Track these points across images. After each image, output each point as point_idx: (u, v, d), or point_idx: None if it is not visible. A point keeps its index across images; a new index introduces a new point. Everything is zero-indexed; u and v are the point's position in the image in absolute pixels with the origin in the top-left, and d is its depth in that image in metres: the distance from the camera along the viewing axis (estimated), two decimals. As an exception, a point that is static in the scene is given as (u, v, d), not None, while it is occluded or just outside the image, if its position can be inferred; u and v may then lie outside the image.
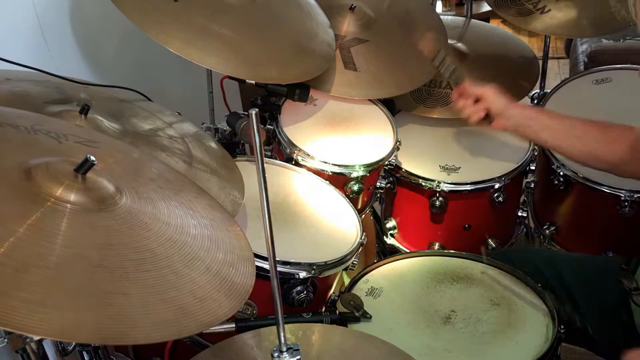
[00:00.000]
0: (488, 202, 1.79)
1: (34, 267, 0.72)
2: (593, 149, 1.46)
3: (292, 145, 1.63)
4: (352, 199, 1.62)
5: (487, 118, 1.59)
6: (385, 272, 1.46)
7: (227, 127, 1.69)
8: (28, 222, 0.76)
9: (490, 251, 1.87)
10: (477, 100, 1.59)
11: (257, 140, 0.82)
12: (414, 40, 1.73)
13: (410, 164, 1.81)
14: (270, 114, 1.71)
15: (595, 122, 1.48)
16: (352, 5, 1.83)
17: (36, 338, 0.87)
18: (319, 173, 1.62)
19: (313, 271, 1.31)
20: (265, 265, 1.04)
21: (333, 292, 1.48)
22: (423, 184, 1.78)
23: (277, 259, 0.88)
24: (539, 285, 1.37)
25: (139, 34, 1.36)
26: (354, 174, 1.63)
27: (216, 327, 1.20)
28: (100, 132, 1.20)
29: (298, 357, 0.91)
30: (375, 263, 1.49)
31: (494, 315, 1.30)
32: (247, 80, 1.59)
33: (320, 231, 1.48)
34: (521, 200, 1.98)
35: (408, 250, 1.92)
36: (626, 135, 1.43)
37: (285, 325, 0.91)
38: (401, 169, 1.80)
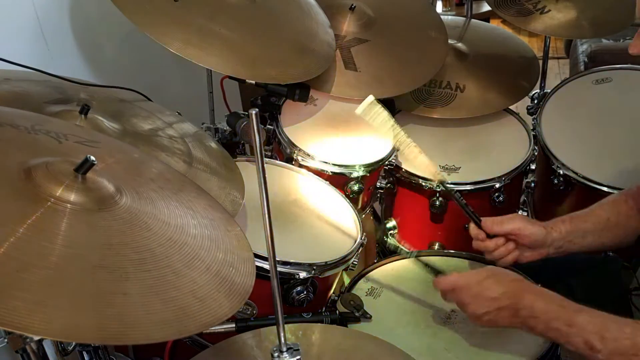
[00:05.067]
0: (488, 202, 1.79)
1: (34, 267, 0.72)
2: (631, 226, 1.40)
3: (292, 145, 1.63)
4: (352, 199, 1.62)
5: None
6: (385, 272, 1.46)
7: (227, 127, 1.69)
8: (28, 222, 0.76)
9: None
10: (507, 238, 1.38)
11: (257, 140, 0.82)
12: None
13: (411, 164, 1.81)
14: (270, 114, 1.72)
15: (619, 198, 1.41)
16: (352, 5, 1.83)
17: (36, 338, 0.87)
18: (319, 173, 1.62)
19: (313, 271, 1.31)
20: (265, 265, 1.04)
21: (333, 292, 1.48)
22: (423, 184, 1.78)
23: (277, 259, 0.88)
24: (539, 285, 1.37)
25: (139, 34, 1.36)
26: (354, 174, 1.63)
27: (216, 327, 1.21)
28: (100, 132, 1.20)
29: (298, 357, 0.91)
30: (375, 263, 1.49)
31: (494, 315, 1.30)
32: (247, 80, 1.59)
33: (320, 231, 1.48)
34: (521, 200, 1.98)
35: (408, 251, 1.92)
36: None
37: (285, 325, 0.91)
38: (401, 169, 1.80)
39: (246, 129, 1.56)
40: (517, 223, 1.37)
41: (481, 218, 1.40)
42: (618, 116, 1.83)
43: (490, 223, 1.38)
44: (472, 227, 1.41)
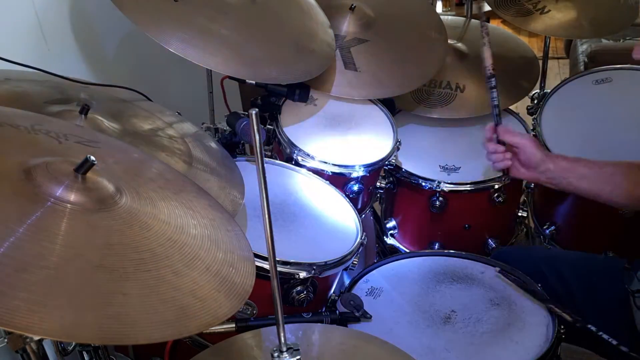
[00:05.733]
0: (488, 202, 1.79)
1: (34, 267, 0.72)
2: (633, 192, 1.42)
3: (292, 145, 1.63)
4: (352, 199, 1.62)
5: (505, 172, 1.56)
6: (385, 272, 1.46)
7: (227, 127, 1.69)
8: (28, 222, 0.76)
9: (490, 251, 1.87)
10: (507, 148, 1.54)
11: (257, 140, 0.82)
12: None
13: (410, 164, 1.81)
14: (270, 114, 1.72)
15: (630, 163, 1.44)
16: (352, 5, 1.83)
17: (36, 338, 0.87)
18: (319, 173, 1.62)
19: (313, 271, 1.31)
20: (265, 265, 1.04)
21: (333, 292, 1.48)
22: (423, 184, 1.78)
23: (277, 259, 0.88)
24: (539, 285, 1.37)
25: (139, 34, 1.36)
26: (354, 174, 1.63)
27: (216, 327, 1.21)
28: (100, 132, 1.20)
29: (298, 357, 0.91)
30: (375, 263, 1.49)
31: (494, 315, 1.30)
32: (247, 80, 1.59)
33: (320, 231, 1.48)
34: (521, 200, 1.98)
35: (408, 250, 1.92)
36: None
37: (285, 325, 0.91)
38: (401, 169, 1.80)
39: (246, 129, 1.56)
40: (524, 140, 1.52)
41: (501, 125, 1.57)
42: (618, 116, 1.83)
43: (504, 131, 1.55)
44: (488, 128, 1.57)
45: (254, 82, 1.61)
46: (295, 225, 1.47)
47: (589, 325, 1.26)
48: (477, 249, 1.85)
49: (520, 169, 1.54)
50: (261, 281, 1.02)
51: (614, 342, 1.22)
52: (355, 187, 1.63)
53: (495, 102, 1.59)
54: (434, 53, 1.91)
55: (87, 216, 0.83)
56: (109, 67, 1.90)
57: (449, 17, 2.35)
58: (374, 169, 1.67)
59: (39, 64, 1.37)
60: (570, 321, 1.26)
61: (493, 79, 1.59)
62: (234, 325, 1.21)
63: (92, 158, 0.86)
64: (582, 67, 2.86)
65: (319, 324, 1.25)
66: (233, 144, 1.68)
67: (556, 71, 3.91)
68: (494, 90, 1.60)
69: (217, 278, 0.88)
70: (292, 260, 1.30)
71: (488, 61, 1.59)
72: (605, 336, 1.23)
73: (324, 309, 1.42)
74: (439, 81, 1.97)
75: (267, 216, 0.85)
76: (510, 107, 2.01)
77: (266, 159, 1.65)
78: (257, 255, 1.05)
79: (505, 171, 1.57)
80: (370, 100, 1.84)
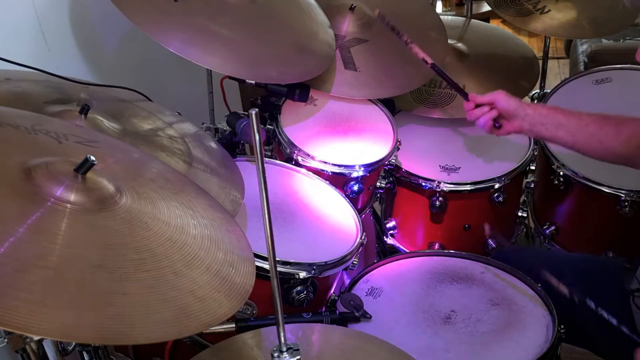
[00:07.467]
0: (488, 202, 1.79)
1: (34, 267, 0.72)
2: (609, 146, 1.45)
3: (292, 145, 1.63)
4: (352, 199, 1.62)
5: (498, 125, 1.60)
6: (385, 272, 1.46)
7: (227, 127, 1.69)
8: (28, 222, 0.76)
9: (490, 251, 1.87)
10: (490, 107, 1.60)
11: (257, 140, 0.82)
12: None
13: (410, 164, 1.81)
14: (270, 114, 1.71)
15: (608, 117, 1.48)
16: (352, 5, 1.83)
17: (36, 338, 0.87)
18: (319, 173, 1.62)
19: (313, 271, 1.31)
20: (265, 265, 1.04)
21: (333, 292, 1.48)
22: (423, 184, 1.78)
23: (277, 259, 0.88)
24: (539, 285, 1.37)
25: (139, 34, 1.35)
26: (354, 174, 1.63)
27: (216, 327, 1.20)
28: (100, 132, 1.20)
29: (298, 357, 0.91)
30: (375, 263, 1.49)
31: (494, 315, 1.30)
32: (247, 80, 1.59)
33: (320, 231, 1.48)
34: (521, 200, 1.98)
35: (408, 250, 1.92)
36: None
37: (285, 325, 0.91)
38: (401, 169, 1.80)
39: (246, 129, 1.56)
40: (495, 93, 1.60)
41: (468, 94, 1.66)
42: (618, 116, 1.83)
43: (474, 96, 1.64)
44: (464, 104, 1.66)
45: (254, 82, 1.60)
46: (295, 225, 1.47)
47: (587, 300, 1.28)
48: (477, 249, 1.85)
49: (504, 121, 1.59)
50: (261, 281, 1.02)
51: (614, 322, 1.23)
52: (355, 187, 1.63)
53: (451, 83, 1.70)
54: (434, 53, 1.91)
55: (87, 216, 0.83)
56: (109, 67, 1.90)
57: (449, 17, 2.35)
58: (374, 169, 1.67)
59: (39, 64, 1.37)
60: (567, 295, 1.28)
61: (436, 67, 1.69)
62: (234, 325, 1.21)
63: (92, 158, 0.86)
64: (582, 67, 2.86)
65: (318, 324, 1.25)
66: (233, 144, 1.68)
67: (556, 71, 3.91)
68: (444, 74, 1.70)
69: (217, 278, 0.88)
70: (292, 260, 1.30)
71: (421, 55, 1.70)
72: (605, 315, 1.24)
73: (324, 309, 1.42)
74: (439, 81, 1.97)
75: (267, 216, 0.85)
76: (511, 107, 2.00)
77: (266, 159, 1.65)
78: (257, 255, 1.05)
79: (498, 125, 1.60)
80: (370, 100, 1.84)
